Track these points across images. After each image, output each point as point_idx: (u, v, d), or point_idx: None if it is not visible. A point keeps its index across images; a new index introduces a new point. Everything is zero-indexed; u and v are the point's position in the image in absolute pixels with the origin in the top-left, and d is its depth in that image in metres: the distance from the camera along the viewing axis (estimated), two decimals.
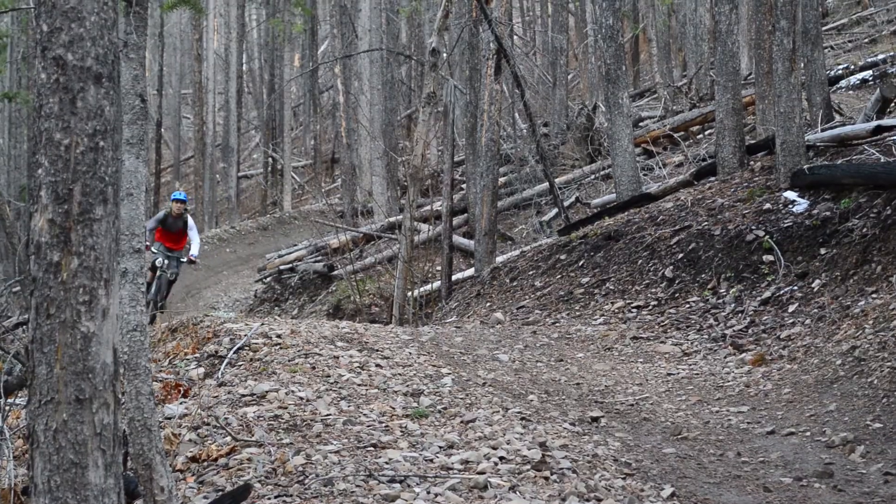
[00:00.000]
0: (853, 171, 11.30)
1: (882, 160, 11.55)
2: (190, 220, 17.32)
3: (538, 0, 28.97)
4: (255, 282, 25.70)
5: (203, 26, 37.86)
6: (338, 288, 20.55)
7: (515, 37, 29.71)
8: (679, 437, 7.26)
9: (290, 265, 23.75)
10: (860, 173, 11.08)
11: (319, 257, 23.36)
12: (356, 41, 28.94)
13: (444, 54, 18.71)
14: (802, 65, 14.75)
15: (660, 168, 19.22)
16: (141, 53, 5.82)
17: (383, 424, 7.08)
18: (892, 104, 15.35)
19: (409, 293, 15.36)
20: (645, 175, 18.26)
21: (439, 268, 16.86)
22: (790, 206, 11.44)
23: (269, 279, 24.49)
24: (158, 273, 17.19)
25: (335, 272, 21.77)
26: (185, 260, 17.43)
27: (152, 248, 17.05)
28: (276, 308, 22.59)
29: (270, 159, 38.61)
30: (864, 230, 10.26)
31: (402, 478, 5.97)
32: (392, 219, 23.25)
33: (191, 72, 42.27)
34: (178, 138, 44.30)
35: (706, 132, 21.69)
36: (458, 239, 18.62)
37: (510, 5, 20.38)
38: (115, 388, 3.80)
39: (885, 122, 12.94)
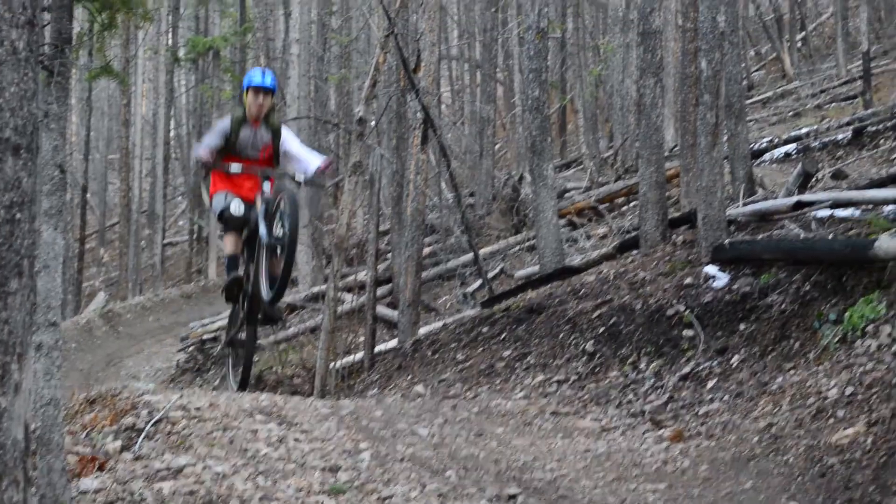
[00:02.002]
0: (773, 246, 11.35)
1: (802, 236, 11.63)
2: (286, 130, 11.46)
3: (467, 70, 28.99)
4: (177, 351, 25.40)
5: (131, 91, 37.69)
6: (260, 358, 20.35)
7: (444, 106, 29.84)
8: None
9: (214, 334, 23.47)
10: (780, 249, 11.13)
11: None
12: (285, 108, 28.91)
13: (372, 123, 18.69)
14: (726, 138, 14.88)
15: (584, 239, 19.29)
16: (62, 123, 5.75)
17: (300, 501, 6.96)
18: (814, 179, 15.51)
19: (332, 365, 15.22)
20: (570, 246, 18.32)
21: (363, 338, 16.75)
22: (711, 280, 11.46)
23: (191, 348, 24.20)
24: (246, 235, 11.20)
25: (257, 342, 21.55)
26: (306, 188, 11.34)
27: (211, 197, 11.27)
28: (199, 378, 22.32)
29: (196, 226, 38.36)
30: (783, 306, 10.30)
31: None
32: (316, 288, 23.14)
33: (118, 137, 41.99)
34: (103, 204, 44.02)
35: (631, 204, 21.81)
36: (381, 309, 18.52)
37: (438, 75, 20.45)
38: (27, 464, 3.71)
39: (806, 197, 13.05)
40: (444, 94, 31.58)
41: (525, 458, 8.90)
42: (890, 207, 11.51)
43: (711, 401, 9.69)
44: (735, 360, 10.21)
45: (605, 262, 14.54)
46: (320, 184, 11.65)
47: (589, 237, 19.56)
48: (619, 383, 11.02)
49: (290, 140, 11.38)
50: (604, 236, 19.66)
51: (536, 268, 15.95)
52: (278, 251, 10.74)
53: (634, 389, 10.74)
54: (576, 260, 15.51)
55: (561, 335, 12.49)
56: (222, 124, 11.24)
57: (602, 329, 12.03)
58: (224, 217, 11.10)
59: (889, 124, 19.66)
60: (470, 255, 17.98)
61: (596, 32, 33.62)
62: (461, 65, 32.71)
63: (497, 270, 19.47)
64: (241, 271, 11.25)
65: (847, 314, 9.36)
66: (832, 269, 10.18)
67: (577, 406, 10.80)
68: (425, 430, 9.93)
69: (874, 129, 20.26)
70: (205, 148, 11.05)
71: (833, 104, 27.32)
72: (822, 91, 29.69)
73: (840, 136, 21.12)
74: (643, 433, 9.63)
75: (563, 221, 19.76)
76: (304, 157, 11.20)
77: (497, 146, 29.66)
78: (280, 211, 10.69)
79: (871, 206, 11.91)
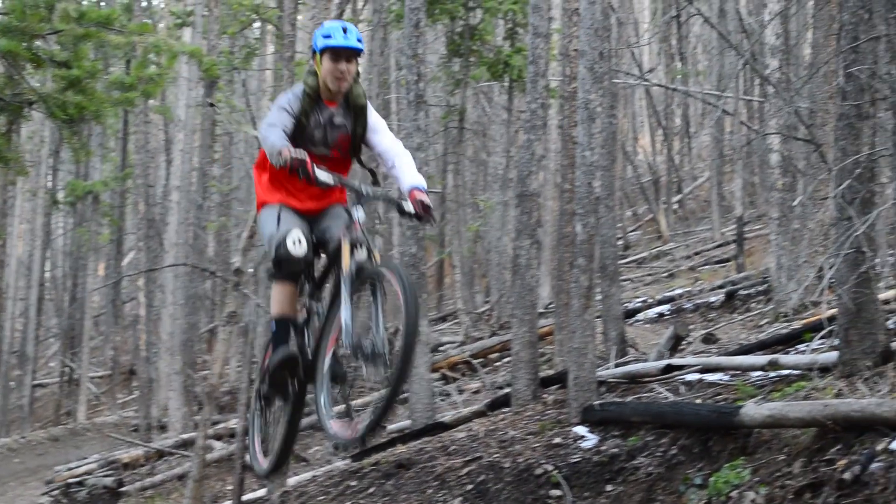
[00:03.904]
0: (641, 409, 11.44)
1: (670, 399, 11.74)
2: (372, 112, 7.69)
3: None
4: (41, 494, 24.73)
5: (7, 232, 37.23)
6: None
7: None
8: None
9: (79, 479, 22.97)
10: (648, 412, 11.23)
11: (110, 471, 22.69)
12: (162, 254, 28.73)
13: (248, 272, 18.63)
14: (600, 298, 15.04)
15: (457, 394, 19.24)
16: None
17: None
18: (685, 342, 15.70)
19: None
20: (442, 400, 18.26)
21: (230, 487, 16.49)
22: (580, 441, 11.50)
23: (56, 492, 23.61)
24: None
25: (123, 488, 21.14)
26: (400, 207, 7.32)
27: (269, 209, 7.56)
28: None
29: (67, 368, 37.71)
30: (650, 468, 10.35)
31: None
32: (186, 435, 22.82)
33: None
34: None
35: (505, 359, 21.85)
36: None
37: None
38: None
39: (676, 361, 13.20)
40: None
41: None
42: (757, 374, 11.67)
43: None
44: None
45: (476, 419, 14.53)
46: (426, 220, 7.39)
47: (461, 392, 19.53)
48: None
49: (378, 128, 7.71)
50: (476, 391, 19.63)
51: (408, 422, 15.87)
52: (381, 368, 6.88)
53: None
54: (447, 415, 15.46)
55: (429, 491, 12.41)
56: (288, 98, 7.51)
57: (470, 486, 11.98)
58: (278, 256, 7.28)
59: (760, 289, 20.01)
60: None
61: (476, 189, 33.96)
62: None
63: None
64: (293, 345, 7.54)
65: (712, 479, 9.43)
66: (699, 433, 10.27)
67: None
68: None
69: (746, 292, 20.61)
70: (279, 135, 7.20)
71: (707, 266, 27.78)
72: (696, 253, 30.19)
73: (713, 299, 21.44)
74: None
75: (436, 375, 19.73)
76: (397, 164, 7.55)
77: None
78: (377, 303, 6.87)
79: (739, 372, 12.06)
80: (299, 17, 20.61)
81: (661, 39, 36.98)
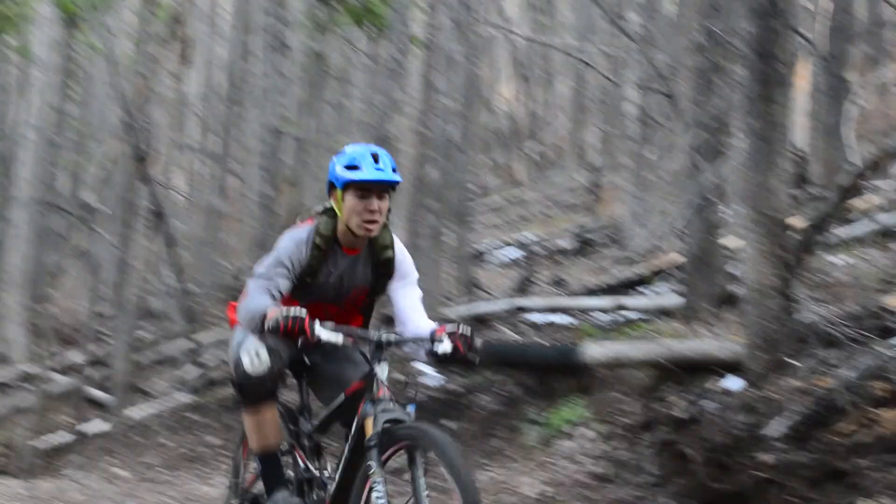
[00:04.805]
0: (487, 348, 11.48)
1: (515, 339, 11.83)
2: (402, 258, 5.93)
3: (203, 162, 28.75)
4: None
5: None
6: None
7: (176, 195, 29.51)
8: None
9: None
10: (494, 351, 11.24)
11: None
12: (12, 188, 28.18)
13: (99, 209, 18.35)
14: (452, 241, 15.09)
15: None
16: None
17: None
18: (534, 284, 15.83)
19: (37, 444, 14.80)
20: None
21: (72, 419, 16.30)
22: (422, 377, 11.53)
23: None
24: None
25: None
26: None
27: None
28: None
29: None
30: (491, 406, 10.43)
31: None
32: (28, 367, 22.42)
33: None
34: None
35: None
36: (94, 392, 18.02)
37: (172, 165, 20.20)
38: None
39: (522, 302, 13.29)
40: (177, 183, 31.29)
41: None
42: (603, 316, 11.82)
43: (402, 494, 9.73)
44: None
45: None
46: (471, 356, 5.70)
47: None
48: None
49: (407, 273, 5.99)
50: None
51: None
52: None
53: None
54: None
55: None
56: (290, 247, 5.75)
57: (315, 422, 11.97)
58: (238, 378, 5.76)
59: (611, 235, 20.23)
60: (188, 342, 17.67)
61: (336, 133, 33.78)
62: (197, 156, 32.43)
63: (214, 358, 19.18)
64: (292, 493, 5.97)
65: (550, 416, 9.54)
66: (541, 372, 10.36)
67: None
68: None
69: (597, 239, 20.81)
70: (266, 300, 5.58)
71: (560, 213, 27.98)
72: (551, 200, 30.40)
73: (565, 244, 21.60)
74: None
75: None
76: (412, 321, 5.92)
77: (227, 237, 29.37)
78: (417, 474, 5.23)
79: (585, 314, 12.20)
80: None
81: None
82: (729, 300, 10.16)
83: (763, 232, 7.80)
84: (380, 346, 5.51)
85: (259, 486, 6.21)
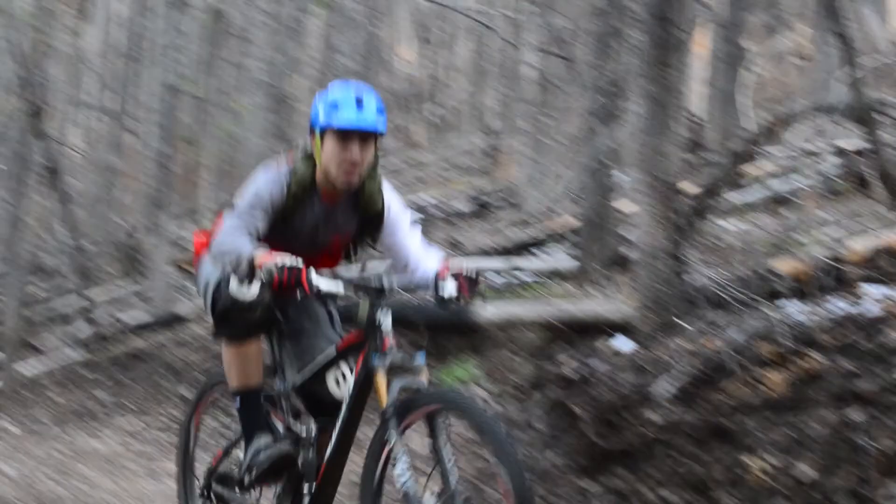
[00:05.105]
0: None
1: (409, 300, 11.86)
2: (391, 201, 5.53)
3: (101, 118, 28.42)
4: None
5: None
6: None
7: (71, 151, 29.15)
8: None
9: None
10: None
11: None
12: None
13: None
14: None
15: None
16: None
17: None
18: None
19: None
20: (182, 297, 18.08)
21: None
22: None
23: None
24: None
25: None
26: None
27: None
28: None
29: None
30: None
31: None
32: None
33: None
34: None
35: None
36: None
37: (68, 121, 19.90)
38: None
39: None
40: (73, 140, 30.87)
41: (109, 500, 8.73)
42: (497, 277, 11.87)
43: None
44: None
45: None
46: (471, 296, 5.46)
47: None
48: (213, 430, 10.97)
49: (396, 228, 5.59)
50: None
51: (146, 315, 15.67)
52: None
53: (228, 437, 10.69)
54: (184, 309, 15.34)
55: (162, 382, 12.38)
56: (270, 187, 5.30)
57: (204, 379, 11.97)
58: (222, 306, 5.38)
59: (508, 198, 20.30)
60: (80, 298, 17.48)
61: (234, 91, 33.51)
62: (94, 113, 32.00)
63: (107, 315, 19.05)
64: (282, 440, 5.55)
65: (442, 375, 9.57)
66: (432, 332, 10.39)
67: (170, 451, 10.70)
68: (13, 469, 9.67)
69: (493, 202, 20.88)
70: (246, 241, 5.16)
71: (458, 176, 28.01)
72: (448, 162, 30.41)
73: (461, 207, 21.64)
74: None
75: (179, 273, 19.52)
76: (413, 260, 5.60)
77: (123, 194, 29.06)
78: (441, 442, 4.84)
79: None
80: None
81: None
82: (622, 263, 10.27)
83: (656, 196, 7.86)
84: (381, 293, 5.16)
85: (226, 464, 5.97)
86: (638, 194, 8.09)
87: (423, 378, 5.07)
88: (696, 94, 17.29)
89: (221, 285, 5.33)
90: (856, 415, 5.51)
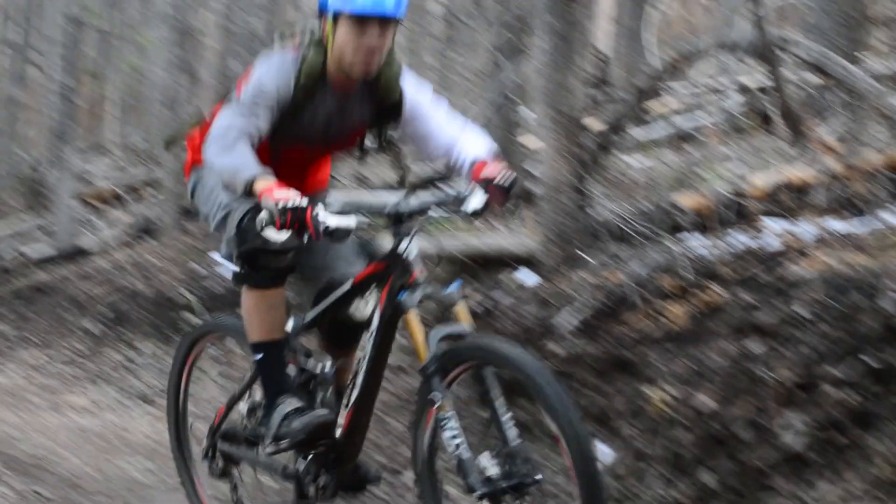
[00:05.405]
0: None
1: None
2: (412, 98, 5.01)
3: (3, 53, 27.93)
4: None
5: None
6: None
7: None
8: (78, 489, 7.05)
9: None
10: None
11: None
12: None
13: None
14: None
15: (106, 227, 18.89)
16: None
17: None
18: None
19: None
20: (87, 231, 17.92)
21: None
22: (218, 268, 11.45)
23: None
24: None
25: None
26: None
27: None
28: None
29: None
30: (288, 295, 10.44)
31: None
32: None
33: None
34: None
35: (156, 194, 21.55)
36: None
37: None
38: None
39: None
40: None
41: (12, 433, 8.67)
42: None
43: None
44: None
45: (121, 249, 14.36)
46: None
47: (110, 224, 19.20)
48: (119, 364, 10.97)
49: (422, 112, 5.07)
50: (127, 224, 19.35)
51: (49, 248, 15.49)
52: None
53: (133, 371, 10.74)
54: (90, 244, 15.20)
55: (66, 315, 12.32)
56: (274, 77, 4.75)
57: (109, 312, 11.92)
58: (252, 246, 4.83)
59: None
60: None
61: (138, 25, 33.08)
62: None
63: (9, 248, 18.85)
64: (319, 408, 5.03)
65: None
66: None
67: (75, 385, 10.70)
68: None
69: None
70: (247, 152, 4.62)
71: None
72: None
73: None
74: (138, 412, 9.62)
75: (84, 207, 19.33)
76: (456, 149, 5.01)
77: (27, 127, 28.66)
78: (494, 396, 4.38)
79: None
80: None
81: None
82: (527, 198, 10.29)
83: (561, 131, 7.88)
84: (399, 219, 4.66)
85: (231, 418, 5.51)
86: (543, 129, 8.11)
87: (464, 318, 4.54)
88: (603, 31, 17.33)
89: (246, 222, 4.74)
90: (755, 346, 5.58)
